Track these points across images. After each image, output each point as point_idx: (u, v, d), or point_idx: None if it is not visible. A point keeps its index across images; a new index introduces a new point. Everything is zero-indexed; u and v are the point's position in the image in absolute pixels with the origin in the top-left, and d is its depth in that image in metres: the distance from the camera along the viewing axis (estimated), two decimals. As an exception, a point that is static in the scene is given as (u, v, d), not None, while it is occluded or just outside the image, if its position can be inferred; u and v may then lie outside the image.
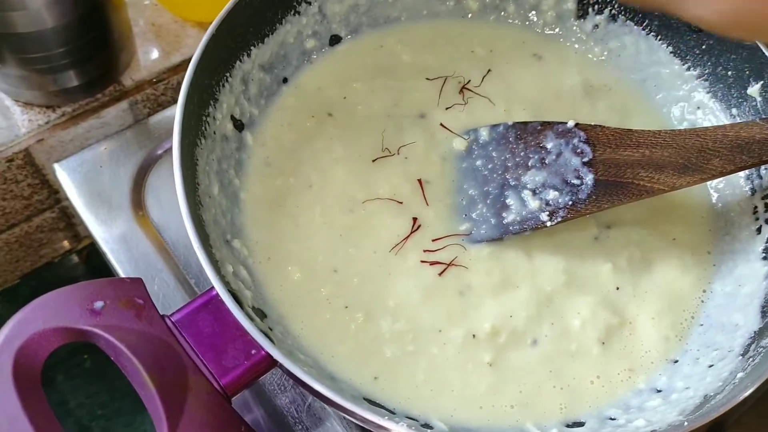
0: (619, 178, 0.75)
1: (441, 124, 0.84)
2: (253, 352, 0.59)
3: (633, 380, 0.71)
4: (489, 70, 0.89)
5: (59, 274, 1.18)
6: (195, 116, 0.72)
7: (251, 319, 0.63)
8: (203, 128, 0.74)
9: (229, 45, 0.77)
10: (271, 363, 0.59)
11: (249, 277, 0.72)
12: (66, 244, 1.22)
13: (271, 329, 0.68)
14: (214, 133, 0.76)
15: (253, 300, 0.70)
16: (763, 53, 0.78)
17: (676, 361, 0.73)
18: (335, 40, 0.89)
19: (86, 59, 0.96)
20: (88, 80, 0.99)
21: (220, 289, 0.59)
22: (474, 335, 0.72)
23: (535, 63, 0.91)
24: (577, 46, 0.92)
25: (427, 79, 0.87)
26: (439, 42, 0.91)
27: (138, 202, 0.90)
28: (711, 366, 0.70)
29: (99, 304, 0.56)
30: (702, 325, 0.75)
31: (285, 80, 0.86)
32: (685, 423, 0.59)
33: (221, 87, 0.77)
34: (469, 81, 0.88)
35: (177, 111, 0.67)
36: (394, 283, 0.74)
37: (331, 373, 0.69)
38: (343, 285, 0.74)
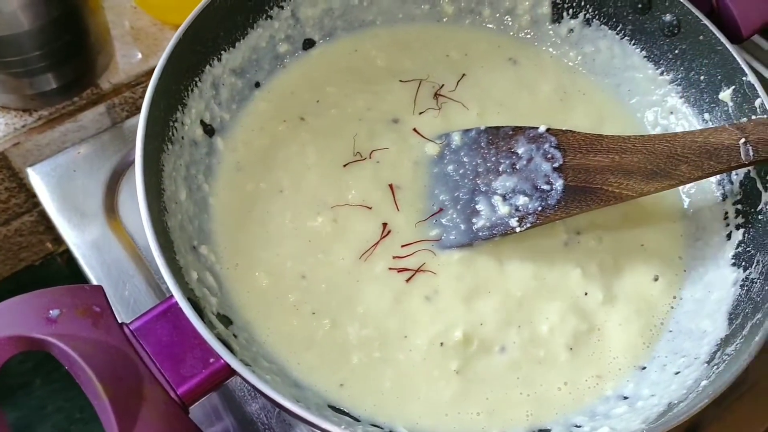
0: (589, 183, 0.74)
1: (414, 130, 0.84)
2: (212, 360, 0.59)
3: (601, 387, 0.71)
4: (464, 75, 0.89)
5: (39, 277, 1.18)
6: (161, 122, 0.72)
7: (212, 327, 0.63)
8: (170, 133, 0.73)
9: (197, 49, 0.77)
10: (229, 372, 0.59)
11: (215, 283, 0.72)
12: (49, 246, 1.22)
13: (235, 336, 0.68)
14: (183, 138, 0.76)
15: (218, 307, 0.69)
16: (735, 58, 0.78)
17: (644, 368, 0.73)
18: (309, 44, 0.89)
19: (63, 62, 0.95)
20: (65, 83, 0.98)
21: (178, 296, 0.59)
22: (442, 343, 0.72)
23: (510, 67, 0.91)
24: (552, 50, 0.92)
25: (401, 81, 0.87)
26: (415, 46, 0.91)
27: (111, 207, 0.90)
28: (677, 373, 0.69)
29: (55, 313, 0.55)
30: (671, 331, 0.75)
31: (257, 85, 0.85)
32: (644, 430, 0.58)
33: (190, 92, 0.77)
34: (443, 86, 0.88)
35: (141, 116, 0.67)
36: (363, 290, 0.74)
37: (296, 381, 0.69)
38: (310, 291, 0.73)
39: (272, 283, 0.74)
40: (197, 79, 0.78)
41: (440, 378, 0.70)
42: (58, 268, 1.23)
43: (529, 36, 0.92)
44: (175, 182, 0.73)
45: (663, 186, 0.72)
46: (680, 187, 0.84)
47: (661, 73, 0.86)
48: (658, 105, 0.87)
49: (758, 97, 0.75)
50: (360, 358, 0.70)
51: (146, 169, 0.66)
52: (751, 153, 0.70)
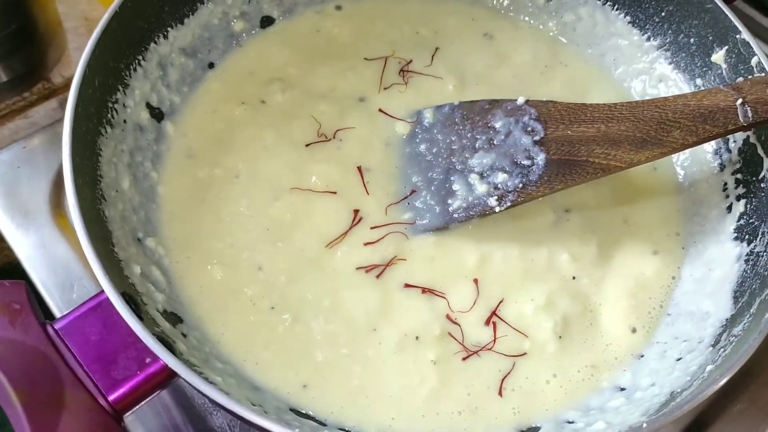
0: (573, 156, 0.68)
1: (380, 110, 0.77)
2: (148, 360, 0.52)
3: (596, 378, 0.64)
4: (437, 48, 0.82)
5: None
6: (97, 102, 0.65)
7: (154, 324, 0.56)
8: (109, 116, 0.66)
9: (139, 24, 0.70)
10: (169, 373, 0.52)
11: (163, 278, 0.65)
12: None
13: (185, 335, 0.61)
14: (125, 122, 0.69)
15: (166, 303, 0.62)
16: (727, 16, 0.71)
17: (642, 356, 0.65)
18: (267, 21, 0.82)
19: (10, 53, 0.89)
20: (13, 77, 0.92)
21: (108, 289, 0.52)
22: (417, 336, 0.65)
23: (486, 42, 0.85)
24: (530, 20, 0.86)
25: (366, 59, 0.81)
26: (381, 23, 0.85)
27: (59, 204, 0.82)
28: (679, 359, 0.62)
29: (-37, 310, 0.48)
30: (670, 314, 0.68)
31: (211, 65, 0.79)
32: (644, 424, 0.51)
33: (132, 71, 0.70)
34: (411, 61, 0.81)
35: (70, 94, 0.60)
36: (329, 281, 0.67)
37: (254, 382, 0.61)
38: (269, 284, 0.66)
39: (227, 276, 0.66)
40: (140, 57, 0.71)
41: (415, 372, 0.63)
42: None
43: (504, 6, 0.86)
44: (115, 169, 0.66)
45: (654, 154, 0.65)
46: (674, 160, 0.77)
47: (648, 39, 0.79)
48: (646, 73, 0.80)
49: (754, 55, 0.69)
50: (325, 355, 0.63)
51: (76, 152, 0.59)
52: (750, 114, 0.64)
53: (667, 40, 0.78)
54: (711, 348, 0.60)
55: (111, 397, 0.50)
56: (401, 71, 0.80)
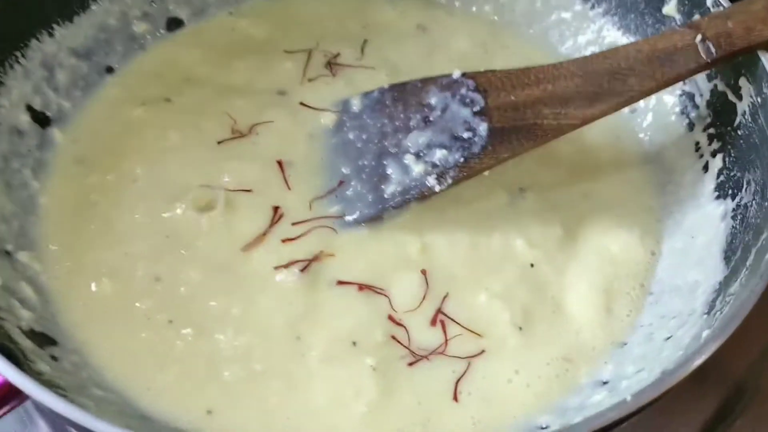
0: (519, 121, 0.59)
1: (301, 103, 0.68)
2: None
3: (572, 374, 0.52)
4: (366, 41, 0.75)
5: None
6: (-44, 92, 0.55)
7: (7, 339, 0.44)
8: (-26, 111, 0.57)
9: (15, 16, 0.62)
10: (9, 392, 0.40)
11: (35, 296, 0.54)
12: None
13: (55, 358, 0.49)
14: (-1, 123, 0.59)
15: (34, 322, 0.51)
16: (672, -39, 0.64)
17: (625, 344, 0.54)
18: (175, 23, 0.74)
19: None
20: None
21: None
22: (354, 342, 0.53)
23: (419, 34, 0.77)
24: (464, 7, 0.79)
25: (286, 51, 0.72)
26: (303, 18, 0.77)
27: None
28: (668, 338, 0.51)
29: None
30: (652, 293, 0.57)
31: (110, 70, 0.70)
32: (628, 398, 0.39)
33: (8, 68, 0.61)
34: (339, 54, 0.73)
35: None
36: (240, 286, 0.56)
37: (143, 411, 0.49)
38: (168, 296, 0.55)
39: (117, 290, 0.55)
40: (18, 54, 0.62)
41: (349, 382, 0.51)
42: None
43: (435, -7, 0.79)
44: (-21, 172, 0.56)
45: (611, 106, 0.57)
46: (637, 129, 0.68)
47: (592, 6, 0.73)
48: (594, 44, 0.73)
49: (708, -7, 0.61)
50: (234, 373, 0.51)
51: None
52: (712, 49, 0.56)
53: (613, 4, 0.71)
54: (705, 316, 0.49)
55: None
56: (328, 63, 0.72)
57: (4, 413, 0.42)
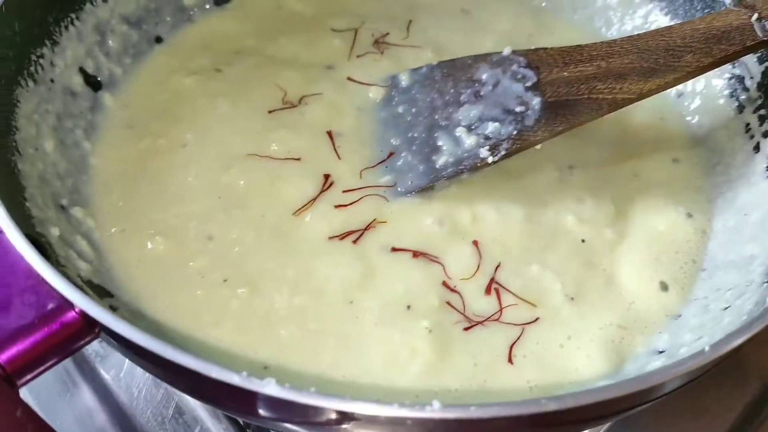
0: (573, 96, 0.59)
1: (349, 78, 0.68)
2: (51, 307, 0.39)
3: (627, 342, 0.52)
4: (410, 21, 0.75)
5: None
6: (17, 48, 0.56)
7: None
8: (32, 69, 0.57)
9: (69, -21, 0.62)
10: (82, 325, 0.39)
11: (91, 250, 0.54)
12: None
13: (114, 308, 0.49)
14: (53, 81, 0.59)
15: (91, 275, 0.51)
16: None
17: (680, 316, 0.54)
18: (224, -3, 0.75)
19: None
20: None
21: (6, 223, 0.40)
22: (409, 306, 0.53)
23: (463, 17, 0.78)
24: (509, -8, 0.79)
25: (333, 30, 0.73)
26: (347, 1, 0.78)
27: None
28: (727, 308, 0.51)
29: None
30: (705, 269, 0.57)
31: (159, 39, 0.70)
32: (707, 348, 0.39)
33: (62, 28, 0.61)
34: (388, 34, 0.73)
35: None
36: (294, 249, 0.56)
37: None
38: (221, 255, 0.55)
39: (170, 249, 0.55)
40: (73, 15, 0.63)
41: (405, 343, 0.50)
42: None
43: (481, -23, 0.79)
44: (36, 127, 0.56)
45: (668, 81, 0.57)
46: (684, 113, 0.68)
47: (640, -8, 0.73)
48: (641, 29, 0.73)
49: (763, -24, 0.61)
50: (290, 332, 0.51)
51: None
52: (768, 28, 0.56)
53: (662, -11, 0.71)
54: (765, 284, 0.49)
55: (3, 357, 0.37)
56: (376, 41, 0.72)
57: (77, 349, 0.41)
